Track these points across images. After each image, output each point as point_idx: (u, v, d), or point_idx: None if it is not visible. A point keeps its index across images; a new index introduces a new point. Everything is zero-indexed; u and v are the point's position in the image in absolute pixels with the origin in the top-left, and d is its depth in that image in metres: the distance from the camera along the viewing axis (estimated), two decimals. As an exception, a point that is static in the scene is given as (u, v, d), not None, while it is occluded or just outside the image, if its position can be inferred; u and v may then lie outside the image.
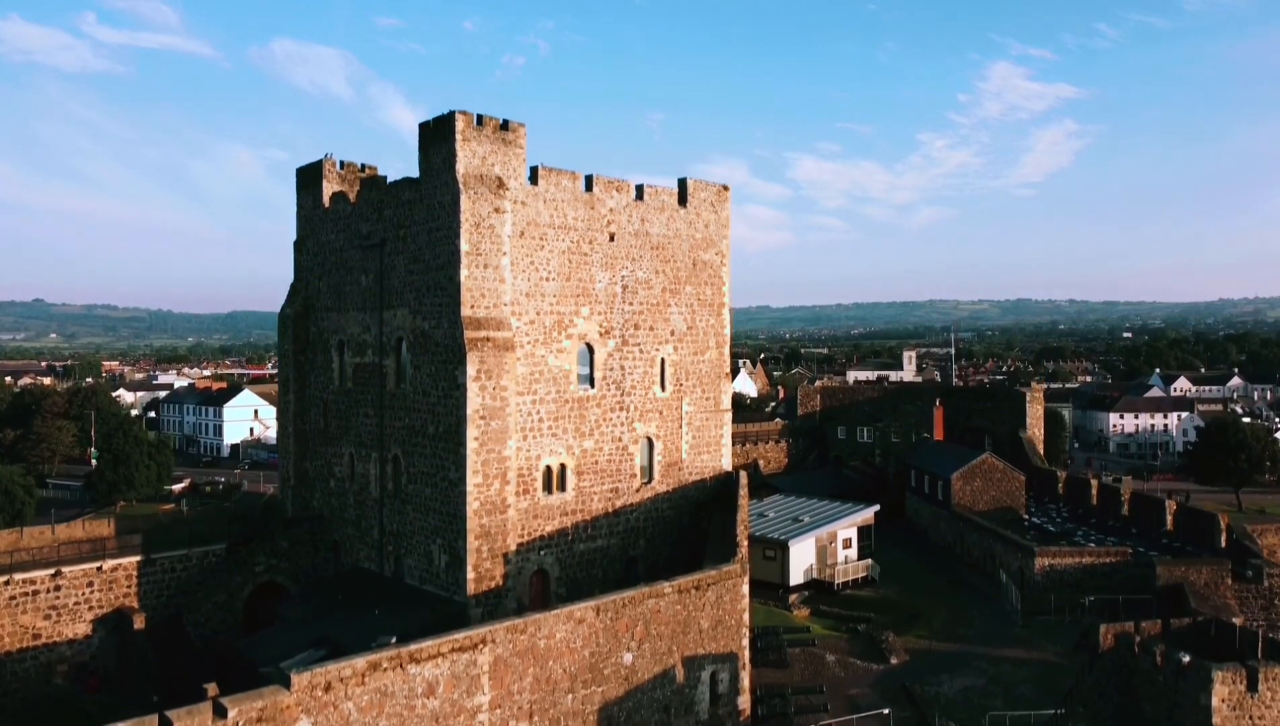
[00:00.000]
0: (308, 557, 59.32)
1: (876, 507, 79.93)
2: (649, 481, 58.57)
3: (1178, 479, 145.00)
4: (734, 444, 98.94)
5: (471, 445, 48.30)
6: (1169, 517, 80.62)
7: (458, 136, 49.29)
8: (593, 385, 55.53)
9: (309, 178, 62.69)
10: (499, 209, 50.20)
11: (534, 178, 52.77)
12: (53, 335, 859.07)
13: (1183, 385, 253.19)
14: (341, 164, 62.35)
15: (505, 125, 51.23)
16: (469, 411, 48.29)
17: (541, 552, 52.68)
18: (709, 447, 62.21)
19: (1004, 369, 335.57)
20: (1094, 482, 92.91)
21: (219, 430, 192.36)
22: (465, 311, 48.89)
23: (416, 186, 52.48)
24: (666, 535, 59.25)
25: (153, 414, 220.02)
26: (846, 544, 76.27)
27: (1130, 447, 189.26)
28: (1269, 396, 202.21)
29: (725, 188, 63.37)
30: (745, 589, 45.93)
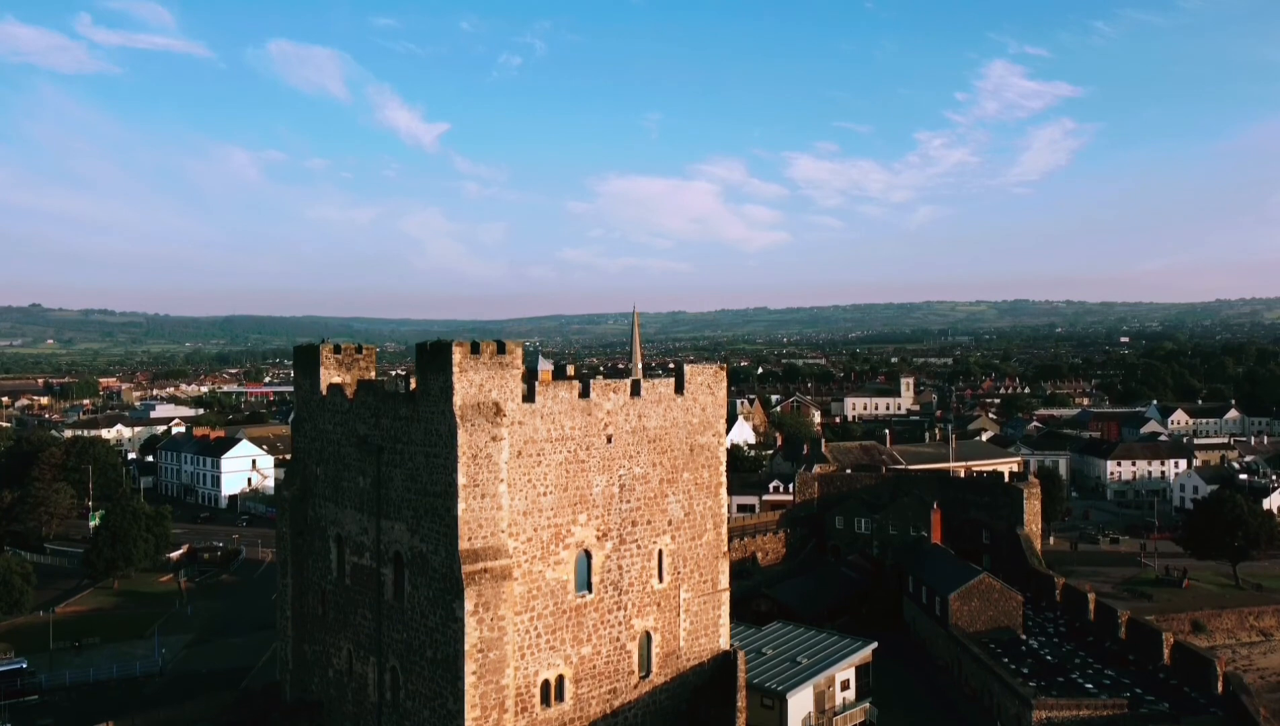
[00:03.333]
0: (307, 749, 59.47)
1: (874, 645, 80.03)
2: (646, 675, 58.70)
3: (1174, 537, 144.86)
4: (731, 539, 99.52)
5: (470, 680, 48.35)
6: (1165, 651, 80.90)
7: (455, 368, 49.19)
8: (590, 590, 55.58)
9: (306, 360, 62.62)
10: (496, 437, 50.13)
11: (530, 394, 52.66)
12: (50, 341, 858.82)
13: (1180, 418, 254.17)
14: (338, 348, 62.23)
15: (501, 348, 51.14)
16: (467, 645, 48.32)
17: (540, 767, 52.82)
18: (707, 630, 62.29)
19: (1001, 390, 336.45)
20: (1091, 597, 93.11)
21: (216, 481, 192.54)
22: (463, 544, 48.88)
23: (413, 403, 52.36)
24: (664, 726, 59.45)
25: (150, 458, 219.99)
26: (845, 685, 76.44)
27: (1127, 495, 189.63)
28: (1265, 441, 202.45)
29: (722, 367, 63.38)
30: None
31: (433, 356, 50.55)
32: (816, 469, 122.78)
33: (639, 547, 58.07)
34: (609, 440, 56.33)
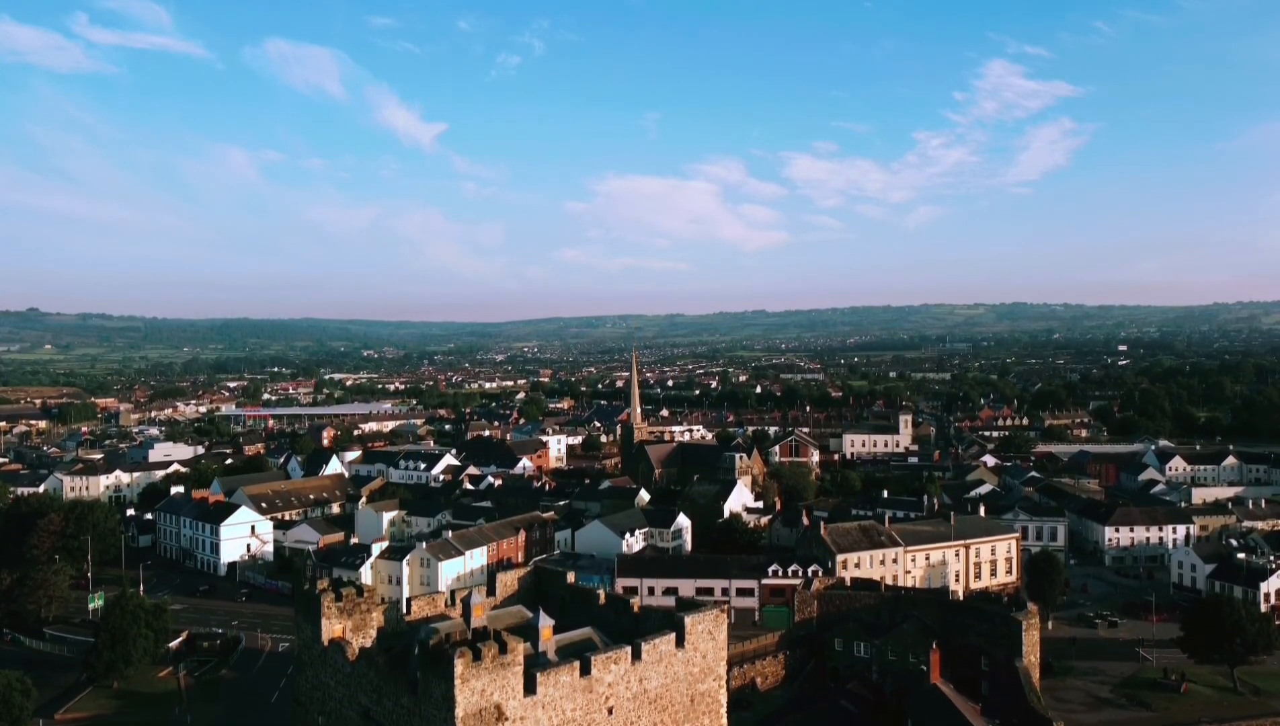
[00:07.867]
0: None
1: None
2: None
3: (1173, 619, 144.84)
4: (730, 666, 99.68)
5: None
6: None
7: (456, 680, 49.06)
8: None
9: (308, 606, 62.37)
10: (498, 743, 50.06)
11: (532, 686, 52.54)
12: (48, 346, 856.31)
13: (1178, 464, 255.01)
14: (339, 594, 61.98)
15: (504, 649, 50.97)
16: None
17: None
18: None
19: (999, 421, 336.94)
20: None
21: (215, 548, 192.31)
22: None
23: (414, 693, 52.25)
24: None
25: (149, 516, 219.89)
26: None
27: (1125, 560, 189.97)
28: (1264, 503, 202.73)
29: (722, 611, 63.39)
30: None
31: (434, 661, 50.40)
32: (815, 584, 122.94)
33: (640, 811, 58.13)
34: (610, 712, 56.29)
